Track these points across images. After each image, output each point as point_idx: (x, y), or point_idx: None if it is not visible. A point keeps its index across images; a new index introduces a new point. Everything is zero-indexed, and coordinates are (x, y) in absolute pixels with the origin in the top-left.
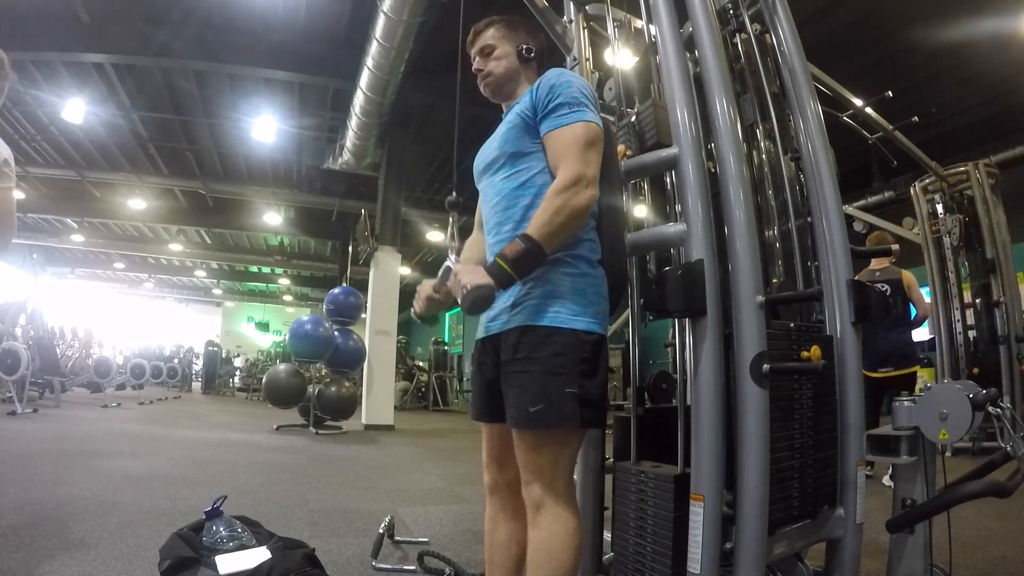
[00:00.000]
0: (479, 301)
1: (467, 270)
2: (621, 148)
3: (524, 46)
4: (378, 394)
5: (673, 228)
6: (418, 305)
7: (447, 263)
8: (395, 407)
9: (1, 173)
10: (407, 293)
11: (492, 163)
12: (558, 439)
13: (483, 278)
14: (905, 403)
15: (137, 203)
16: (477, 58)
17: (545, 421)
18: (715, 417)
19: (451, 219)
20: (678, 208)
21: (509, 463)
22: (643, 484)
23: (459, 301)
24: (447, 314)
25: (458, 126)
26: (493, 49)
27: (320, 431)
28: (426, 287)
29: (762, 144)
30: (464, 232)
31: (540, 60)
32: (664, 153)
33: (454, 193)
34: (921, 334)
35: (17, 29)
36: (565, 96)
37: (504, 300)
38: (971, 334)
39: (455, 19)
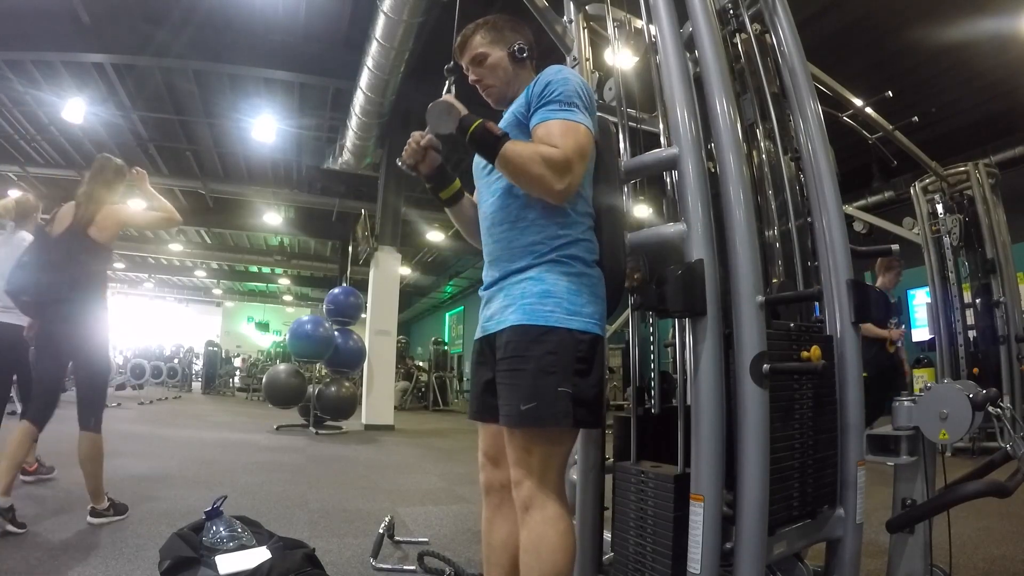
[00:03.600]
0: (440, 114)
1: (453, 98)
2: (629, 272)
3: (516, 46)
4: (378, 394)
5: (673, 228)
6: (405, 151)
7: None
8: (395, 407)
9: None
10: (407, 293)
11: (488, 163)
12: (550, 438)
13: (457, 104)
14: (905, 403)
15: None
16: (471, 68)
17: (536, 419)
18: (715, 417)
19: (448, 81)
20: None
21: (504, 463)
22: (643, 484)
23: (432, 103)
24: (447, 313)
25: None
26: (485, 57)
27: (320, 431)
28: (416, 134)
29: (762, 144)
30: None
31: (532, 56)
32: (664, 153)
33: (453, 62)
34: (921, 334)
35: (17, 29)
36: (559, 94)
37: (500, 300)
38: (971, 334)
39: (455, 19)
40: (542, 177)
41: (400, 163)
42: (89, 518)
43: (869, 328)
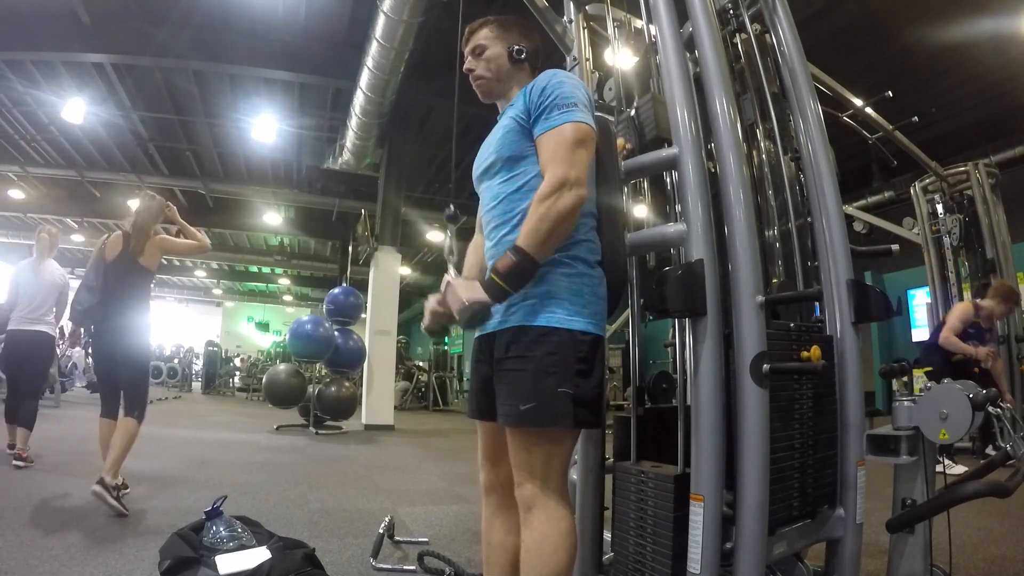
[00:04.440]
0: (475, 316)
1: (463, 286)
2: (621, 142)
3: (515, 47)
4: (378, 394)
5: (673, 228)
6: (426, 320)
7: (447, 277)
8: (395, 407)
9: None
10: (407, 293)
11: (489, 167)
12: (551, 438)
13: (478, 293)
14: (905, 403)
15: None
16: (469, 57)
17: (536, 419)
18: (715, 417)
19: (448, 232)
20: (678, 208)
21: (504, 462)
22: (643, 484)
23: (456, 316)
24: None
25: (458, 127)
26: (484, 49)
27: (320, 431)
28: (431, 301)
29: (762, 144)
30: (465, 234)
31: (532, 61)
32: (664, 153)
33: (452, 207)
34: (921, 334)
35: (17, 29)
36: (555, 97)
37: None
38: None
39: (455, 19)
40: (560, 212)
41: (425, 330)
42: (94, 485)
43: (956, 343)
